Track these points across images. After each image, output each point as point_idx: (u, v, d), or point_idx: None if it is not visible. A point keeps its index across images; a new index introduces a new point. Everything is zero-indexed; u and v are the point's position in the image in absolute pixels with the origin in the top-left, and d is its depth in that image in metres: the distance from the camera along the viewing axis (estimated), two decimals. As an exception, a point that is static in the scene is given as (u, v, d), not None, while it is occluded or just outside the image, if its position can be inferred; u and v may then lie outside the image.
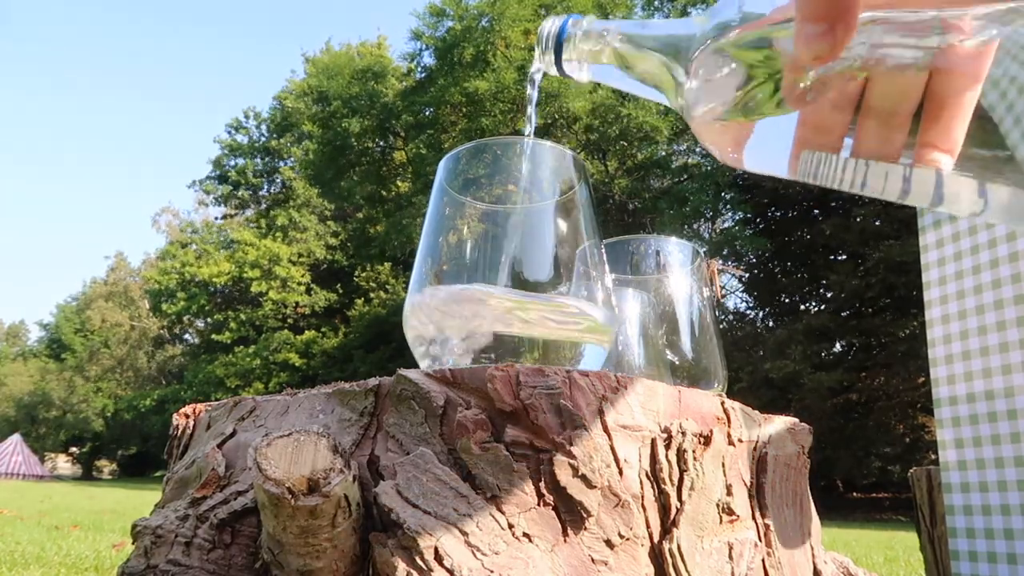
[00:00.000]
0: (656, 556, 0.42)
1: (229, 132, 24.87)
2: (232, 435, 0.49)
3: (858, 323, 12.16)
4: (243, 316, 20.33)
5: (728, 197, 14.68)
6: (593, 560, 0.40)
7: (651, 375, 0.62)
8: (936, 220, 0.85)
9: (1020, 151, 0.27)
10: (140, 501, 7.67)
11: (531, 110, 0.48)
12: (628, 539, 0.41)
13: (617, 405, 0.43)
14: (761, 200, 14.11)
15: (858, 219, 12.34)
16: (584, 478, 0.40)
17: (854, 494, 13.85)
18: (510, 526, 0.39)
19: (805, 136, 0.30)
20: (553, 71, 0.41)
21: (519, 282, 0.48)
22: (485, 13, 13.86)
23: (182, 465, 0.52)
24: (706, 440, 0.45)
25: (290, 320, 20.37)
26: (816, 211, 14.13)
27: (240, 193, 24.86)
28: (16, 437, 24.01)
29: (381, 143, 17.11)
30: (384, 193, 17.35)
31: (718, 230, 15.42)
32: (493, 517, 0.39)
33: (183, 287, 21.44)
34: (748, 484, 0.49)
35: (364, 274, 19.51)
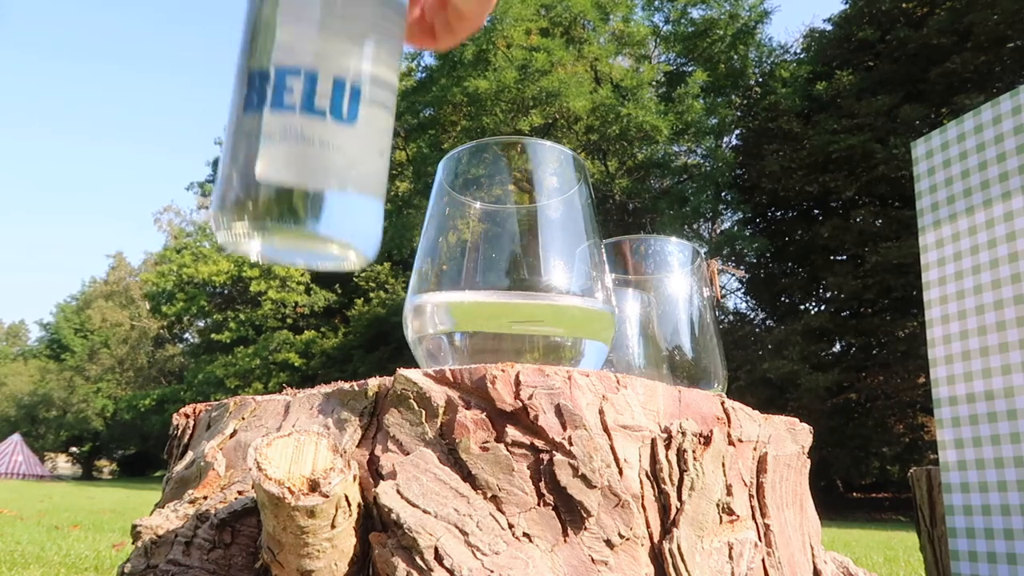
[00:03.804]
0: (656, 556, 0.42)
1: (229, 132, 24.82)
2: (232, 435, 0.49)
3: (857, 323, 12.16)
4: (242, 316, 20.32)
5: (728, 197, 14.68)
6: (593, 560, 0.40)
7: (651, 375, 0.62)
8: (936, 220, 0.85)
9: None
10: (140, 501, 7.67)
11: None
12: (628, 539, 0.41)
13: (617, 405, 0.43)
14: (761, 200, 14.12)
15: (857, 220, 12.34)
16: (584, 478, 0.40)
17: (854, 494, 13.86)
18: (510, 526, 0.39)
19: None
20: None
21: (519, 283, 0.48)
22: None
23: (182, 465, 0.52)
24: (706, 440, 0.45)
25: (290, 320, 20.36)
26: (816, 212, 14.13)
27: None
28: (16, 437, 24.00)
29: (381, 143, 17.03)
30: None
31: (718, 230, 15.42)
32: (493, 517, 0.39)
33: (181, 288, 21.42)
34: (748, 484, 0.49)
35: (364, 274, 19.50)
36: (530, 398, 0.40)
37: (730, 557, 0.45)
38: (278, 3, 0.31)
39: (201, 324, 23.78)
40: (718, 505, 0.45)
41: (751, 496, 0.49)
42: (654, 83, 14.31)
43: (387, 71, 0.34)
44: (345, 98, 0.31)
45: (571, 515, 0.40)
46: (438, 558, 0.37)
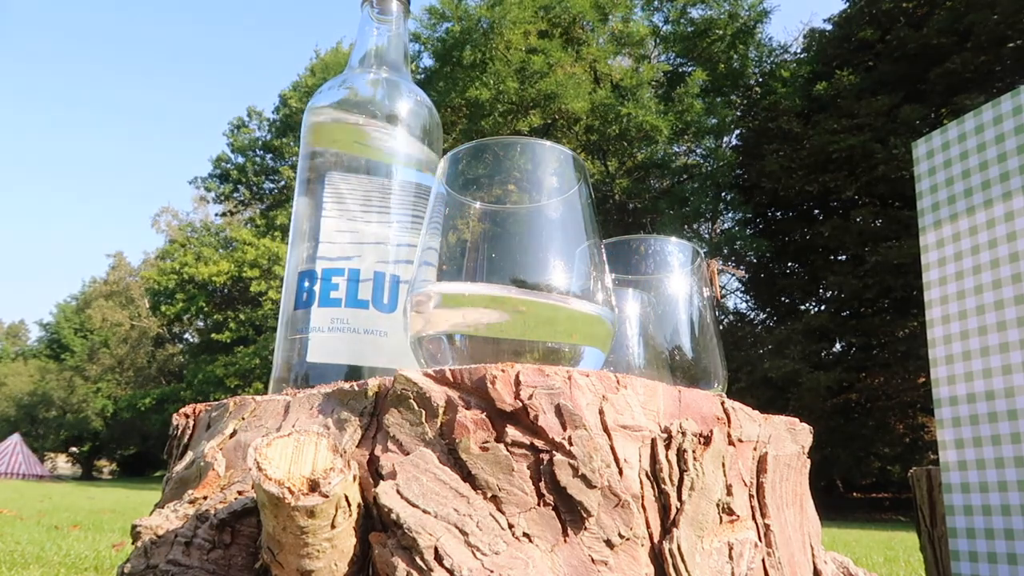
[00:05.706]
0: (656, 556, 0.42)
1: (233, 130, 24.89)
2: (232, 435, 0.49)
3: (857, 323, 12.16)
4: (243, 316, 20.32)
5: (728, 197, 14.68)
6: (593, 560, 0.40)
7: (651, 375, 0.62)
8: (937, 220, 0.85)
9: None
10: (140, 501, 7.67)
11: None
12: (628, 539, 0.41)
13: (617, 405, 0.43)
14: (761, 200, 14.11)
15: (858, 220, 12.34)
16: (584, 478, 0.40)
17: (854, 494, 13.86)
18: (510, 526, 0.39)
19: None
20: None
21: (518, 283, 0.48)
22: (485, 16, 13.82)
23: (182, 465, 0.52)
24: (706, 440, 0.45)
25: (290, 320, 20.32)
26: (816, 212, 14.13)
27: (241, 191, 24.88)
28: (16, 437, 24.01)
29: (381, 143, 17.02)
30: (384, 193, 17.26)
31: (718, 230, 15.41)
32: (493, 517, 0.39)
33: (181, 287, 21.41)
34: (748, 484, 0.49)
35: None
36: (530, 398, 0.40)
37: (730, 557, 0.45)
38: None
39: (201, 324, 23.79)
40: (718, 505, 0.45)
41: (751, 496, 0.49)
42: (654, 83, 14.30)
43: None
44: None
45: (571, 515, 0.40)
46: (438, 558, 0.37)
